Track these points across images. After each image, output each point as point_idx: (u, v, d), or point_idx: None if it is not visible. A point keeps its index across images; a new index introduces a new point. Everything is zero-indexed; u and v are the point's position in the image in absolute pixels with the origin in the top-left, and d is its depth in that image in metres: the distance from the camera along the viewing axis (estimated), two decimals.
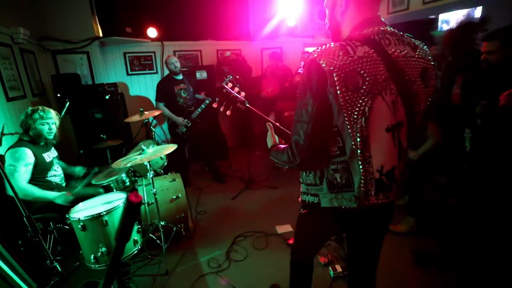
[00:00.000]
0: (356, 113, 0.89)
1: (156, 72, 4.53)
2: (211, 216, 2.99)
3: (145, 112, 3.07)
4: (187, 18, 4.64)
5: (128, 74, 4.35)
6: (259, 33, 5.00)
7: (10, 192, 1.63)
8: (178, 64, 3.52)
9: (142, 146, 2.27)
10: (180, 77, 3.58)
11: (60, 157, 2.56)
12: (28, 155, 2.08)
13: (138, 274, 2.15)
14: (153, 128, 3.12)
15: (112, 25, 3.96)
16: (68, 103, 2.98)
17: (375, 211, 1.03)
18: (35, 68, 3.40)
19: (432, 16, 6.47)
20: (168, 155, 2.97)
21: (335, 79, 0.87)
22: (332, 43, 0.92)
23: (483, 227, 2.01)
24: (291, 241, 2.35)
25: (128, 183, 2.68)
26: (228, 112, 1.32)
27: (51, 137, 2.25)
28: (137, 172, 2.93)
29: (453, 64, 2.39)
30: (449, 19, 6.76)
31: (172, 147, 2.28)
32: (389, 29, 0.97)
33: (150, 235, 2.41)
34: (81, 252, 1.94)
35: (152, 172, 2.33)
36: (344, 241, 2.28)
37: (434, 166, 2.43)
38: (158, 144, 2.85)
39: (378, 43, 0.92)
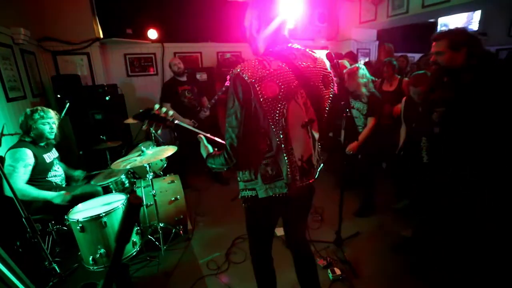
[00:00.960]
0: (277, 115, 1.10)
1: (157, 74, 4.54)
2: (210, 217, 2.99)
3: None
4: (187, 20, 4.66)
5: (128, 76, 4.35)
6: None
7: (9, 193, 1.65)
8: (181, 65, 3.54)
9: (142, 147, 2.27)
10: (184, 78, 3.60)
11: (60, 157, 2.55)
12: (28, 156, 2.08)
13: (136, 275, 2.14)
14: (154, 132, 3.11)
15: (112, 26, 3.98)
16: (68, 104, 2.98)
17: (301, 191, 1.25)
18: (35, 68, 3.41)
19: (432, 20, 6.51)
20: (168, 156, 2.97)
21: (258, 89, 1.07)
22: (252, 60, 1.12)
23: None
24: None
25: (127, 185, 2.68)
26: (159, 132, 1.58)
27: (52, 136, 2.25)
28: (136, 174, 2.93)
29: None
30: (448, 23, 6.80)
31: (171, 150, 2.29)
32: (294, 46, 1.22)
33: (149, 236, 2.40)
34: (79, 253, 1.94)
35: (151, 173, 2.33)
36: (343, 244, 2.29)
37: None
38: (159, 144, 2.85)
39: (287, 57, 1.15)
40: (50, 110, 2.26)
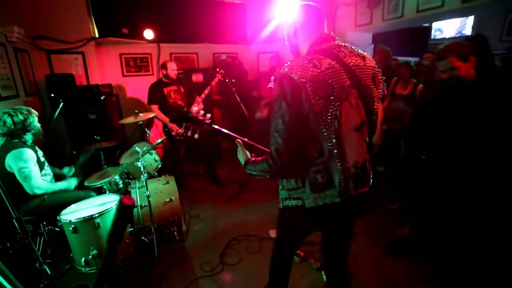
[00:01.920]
0: (330, 117, 1.03)
1: (152, 74, 4.51)
2: (205, 219, 2.97)
3: (140, 114, 3.05)
4: (184, 21, 4.65)
5: (123, 75, 4.32)
6: (256, 37, 5.03)
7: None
8: (176, 71, 3.51)
9: (136, 148, 2.26)
10: (170, 80, 3.55)
11: (52, 157, 2.52)
12: (33, 155, 2.10)
13: (129, 277, 2.12)
14: (147, 131, 3.09)
15: (108, 26, 3.95)
16: (62, 103, 2.95)
17: (354, 202, 1.13)
18: (28, 67, 3.37)
19: (426, 24, 6.60)
20: (163, 157, 2.95)
21: (309, 89, 1.00)
22: (301, 59, 1.06)
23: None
24: None
25: (121, 185, 2.66)
26: (196, 136, 1.53)
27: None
28: (130, 174, 2.91)
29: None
30: (442, 28, 6.90)
31: (161, 139, 2.25)
32: (341, 43, 1.15)
33: (143, 238, 2.38)
34: (71, 255, 1.91)
35: (146, 174, 2.31)
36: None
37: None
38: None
39: (337, 55, 1.08)
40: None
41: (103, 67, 4.11)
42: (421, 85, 3.15)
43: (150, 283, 2.08)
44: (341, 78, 1.04)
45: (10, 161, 2.01)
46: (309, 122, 1.04)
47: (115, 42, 3.99)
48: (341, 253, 1.41)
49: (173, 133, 3.48)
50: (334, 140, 1.05)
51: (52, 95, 3.28)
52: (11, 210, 1.42)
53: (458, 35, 6.52)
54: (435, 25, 6.90)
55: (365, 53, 1.19)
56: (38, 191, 2.07)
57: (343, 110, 1.04)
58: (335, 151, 1.06)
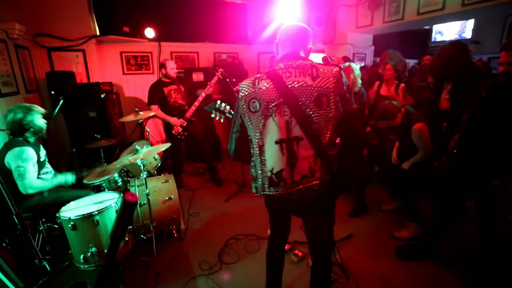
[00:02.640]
0: (256, 128, 1.30)
1: (153, 73, 4.52)
2: (204, 218, 2.98)
3: (140, 112, 3.06)
4: (185, 20, 4.65)
5: (124, 74, 4.32)
6: (257, 37, 5.04)
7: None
8: (176, 70, 3.50)
9: (136, 146, 2.26)
10: (170, 80, 3.55)
11: (52, 155, 2.52)
12: (34, 154, 2.09)
13: (128, 275, 2.12)
14: (147, 129, 3.10)
15: (109, 24, 3.96)
16: (62, 101, 2.95)
17: (283, 197, 1.34)
18: (29, 64, 3.37)
19: (426, 27, 6.63)
20: (164, 156, 2.95)
21: (244, 104, 1.31)
22: (250, 77, 1.33)
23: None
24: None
25: (120, 183, 2.66)
26: (221, 120, 1.88)
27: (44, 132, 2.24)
28: (130, 172, 2.91)
29: (440, 72, 2.44)
30: (442, 30, 6.92)
31: (166, 145, 2.28)
32: (297, 63, 1.27)
33: (142, 236, 2.39)
34: (70, 252, 1.92)
35: (145, 172, 2.32)
36: (335, 246, 2.30)
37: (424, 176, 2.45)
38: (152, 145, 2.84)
39: (280, 76, 1.26)
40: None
41: (104, 65, 4.11)
42: (402, 84, 3.32)
43: (148, 281, 2.09)
44: (269, 98, 1.25)
45: (10, 159, 2.01)
46: (247, 130, 1.34)
47: (116, 40, 3.99)
48: (313, 233, 1.53)
49: (175, 131, 3.48)
50: (257, 148, 1.31)
51: (52, 92, 3.28)
52: (11, 206, 1.43)
53: (459, 38, 6.53)
54: (436, 27, 6.92)
55: (327, 73, 1.23)
56: (30, 191, 2.05)
57: (265, 125, 1.27)
58: (258, 156, 1.31)
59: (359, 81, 2.79)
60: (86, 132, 3.24)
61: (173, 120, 3.46)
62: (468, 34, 6.38)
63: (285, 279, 1.72)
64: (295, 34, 1.35)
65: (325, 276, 1.54)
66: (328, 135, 1.25)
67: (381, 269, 2.18)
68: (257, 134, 1.29)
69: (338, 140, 1.34)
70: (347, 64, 2.74)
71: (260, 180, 1.33)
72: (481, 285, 1.92)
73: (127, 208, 0.50)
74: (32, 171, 2.06)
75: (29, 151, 2.06)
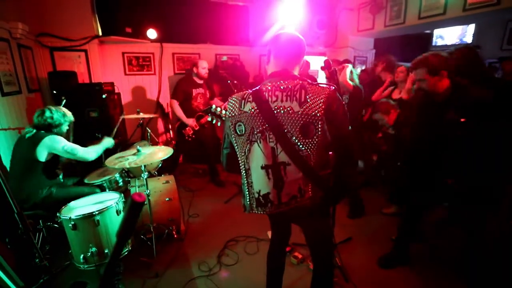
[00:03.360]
0: (242, 152, 1.27)
1: (154, 74, 4.53)
2: (204, 219, 2.98)
3: (141, 113, 3.07)
4: (187, 21, 4.67)
5: (126, 74, 4.34)
6: (258, 39, 5.05)
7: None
8: (207, 70, 3.56)
9: (138, 147, 2.27)
10: (201, 81, 3.61)
11: None
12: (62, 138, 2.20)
13: (127, 276, 2.12)
14: (148, 129, 3.11)
15: (112, 24, 3.97)
16: (64, 100, 2.96)
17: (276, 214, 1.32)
18: (31, 64, 3.38)
19: (427, 31, 6.65)
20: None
21: (230, 125, 1.28)
22: (237, 96, 1.28)
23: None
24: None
25: (121, 183, 2.67)
26: (218, 123, 1.76)
27: None
28: (131, 173, 2.91)
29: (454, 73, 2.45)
30: (443, 35, 6.94)
31: (167, 152, 2.28)
32: (286, 84, 1.19)
33: (142, 236, 2.39)
34: (70, 251, 1.92)
35: (146, 173, 2.32)
36: (335, 249, 2.30)
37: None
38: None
39: (265, 100, 1.19)
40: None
41: (106, 66, 4.12)
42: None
43: (147, 282, 2.09)
44: (254, 123, 1.21)
45: (49, 147, 2.10)
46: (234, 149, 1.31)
47: (118, 40, 4.01)
48: (281, 239, 1.63)
49: (186, 132, 3.50)
50: (243, 170, 1.30)
51: (54, 92, 3.29)
52: (12, 205, 1.43)
53: (459, 42, 6.55)
54: (437, 32, 6.94)
55: (315, 96, 1.14)
56: (92, 157, 2.29)
57: (251, 150, 1.24)
58: (245, 178, 1.30)
59: (356, 79, 2.79)
60: (88, 132, 3.24)
61: (190, 122, 3.49)
62: (469, 39, 6.40)
63: (285, 281, 1.71)
64: (290, 51, 1.25)
65: (327, 280, 1.52)
66: (316, 159, 1.19)
67: (380, 272, 2.18)
68: (243, 158, 1.27)
69: (331, 154, 1.31)
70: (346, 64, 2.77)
71: (248, 200, 1.32)
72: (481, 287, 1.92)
73: (135, 207, 0.50)
74: (75, 145, 2.20)
75: (57, 136, 2.17)
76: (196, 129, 3.54)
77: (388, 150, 3.14)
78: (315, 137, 1.16)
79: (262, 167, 1.23)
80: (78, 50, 3.77)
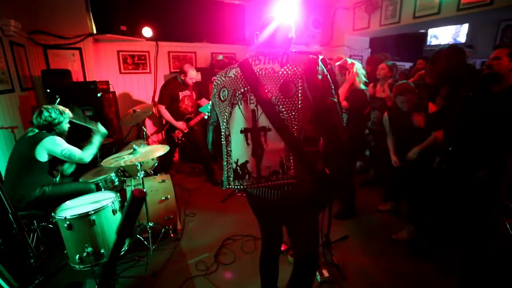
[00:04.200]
0: (223, 117, 1.24)
1: (150, 72, 4.50)
2: (200, 218, 2.98)
3: (138, 110, 3.04)
4: (183, 20, 4.64)
5: (121, 73, 4.29)
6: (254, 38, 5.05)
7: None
8: (194, 80, 3.53)
9: (134, 146, 2.25)
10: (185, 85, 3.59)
11: None
12: (61, 140, 2.20)
13: (124, 275, 2.11)
14: (144, 128, 3.09)
15: (106, 22, 3.92)
16: (58, 99, 2.92)
17: (261, 195, 1.27)
18: (24, 62, 3.33)
19: (422, 31, 6.71)
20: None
21: (215, 93, 1.28)
22: (227, 67, 1.29)
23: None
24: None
25: (117, 183, 2.65)
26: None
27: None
28: (126, 172, 2.89)
29: (442, 78, 2.47)
30: (437, 34, 7.02)
31: (164, 149, 2.28)
32: (270, 51, 1.22)
33: (138, 236, 2.37)
34: (65, 252, 1.90)
35: (142, 172, 2.31)
36: (332, 247, 2.32)
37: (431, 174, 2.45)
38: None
39: (249, 64, 1.21)
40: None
41: (100, 64, 4.08)
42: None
43: (144, 282, 2.07)
44: (236, 86, 1.21)
45: (48, 148, 2.10)
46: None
47: (113, 39, 3.96)
48: (293, 235, 1.45)
49: (175, 135, 3.49)
50: (223, 137, 1.26)
51: (48, 90, 3.24)
52: (6, 205, 1.41)
53: (453, 42, 6.63)
54: (431, 31, 7.01)
55: (300, 61, 1.15)
56: (87, 159, 2.28)
57: (232, 113, 1.21)
58: (225, 148, 1.26)
59: (363, 78, 2.66)
60: (82, 131, 3.20)
61: (179, 125, 3.48)
62: (462, 38, 6.48)
63: (282, 279, 1.71)
64: (274, 33, 1.28)
65: (308, 277, 1.47)
66: (299, 127, 1.14)
67: (377, 269, 2.19)
68: (224, 123, 1.24)
69: (321, 142, 1.26)
70: (350, 61, 2.65)
71: (225, 172, 1.27)
72: (476, 285, 1.95)
73: (135, 203, 0.50)
74: (72, 147, 2.21)
75: (57, 138, 2.16)
76: (186, 131, 3.54)
77: (378, 146, 3.14)
78: (295, 97, 1.13)
79: (241, 131, 1.20)
80: (72, 48, 3.72)
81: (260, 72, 1.17)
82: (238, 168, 1.22)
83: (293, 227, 1.41)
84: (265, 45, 1.27)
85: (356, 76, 2.57)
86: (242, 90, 1.19)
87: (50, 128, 2.19)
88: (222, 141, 1.27)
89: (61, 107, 2.29)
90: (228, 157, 1.25)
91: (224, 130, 1.25)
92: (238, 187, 1.24)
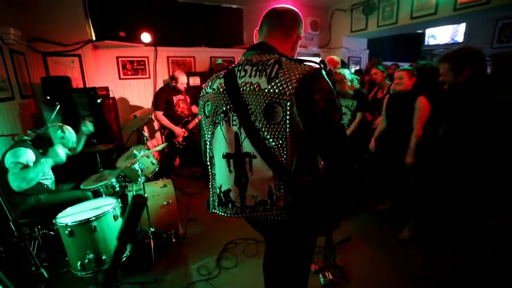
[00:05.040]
0: (207, 136, 1.10)
1: (149, 77, 4.51)
2: (202, 222, 2.96)
3: (138, 115, 3.05)
4: (181, 24, 4.67)
5: (120, 78, 4.31)
6: (253, 42, 5.07)
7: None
8: (185, 85, 3.58)
9: (134, 151, 2.25)
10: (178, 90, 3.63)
11: None
12: (30, 154, 2.07)
13: (126, 281, 2.10)
14: (144, 133, 3.09)
15: (105, 29, 3.95)
16: (58, 106, 2.93)
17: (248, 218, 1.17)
18: (24, 69, 3.34)
19: (419, 31, 6.74)
20: (159, 161, 2.93)
21: (201, 106, 1.10)
22: (214, 75, 1.10)
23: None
24: None
25: (118, 188, 2.64)
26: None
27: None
28: (127, 177, 2.89)
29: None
30: (435, 34, 7.04)
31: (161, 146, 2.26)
32: (260, 58, 0.99)
33: (140, 241, 2.36)
34: (67, 259, 1.89)
35: (143, 177, 2.30)
36: (335, 249, 2.31)
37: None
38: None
39: (234, 76, 1.01)
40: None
41: (100, 70, 4.09)
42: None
43: (146, 287, 2.06)
44: (218, 102, 1.02)
45: (7, 157, 2.02)
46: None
47: (112, 45, 3.98)
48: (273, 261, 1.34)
49: (176, 140, 3.50)
50: (207, 158, 1.13)
51: (48, 97, 3.25)
52: (7, 213, 1.41)
53: (451, 41, 6.65)
54: (428, 31, 7.04)
55: (303, 68, 0.90)
56: (17, 189, 1.96)
57: (214, 133, 1.06)
58: (209, 169, 1.13)
59: (356, 84, 2.82)
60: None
61: (178, 131, 3.51)
62: (460, 38, 6.50)
63: None
64: (270, 21, 1.06)
65: None
66: (289, 156, 0.94)
67: (380, 270, 2.18)
68: (208, 144, 1.10)
69: (322, 163, 1.05)
70: (338, 71, 2.76)
71: (210, 195, 1.15)
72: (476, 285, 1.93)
73: (136, 208, 0.49)
74: (24, 171, 1.97)
75: (27, 150, 2.06)
76: (185, 135, 3.55)
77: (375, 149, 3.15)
78: (281, 123, 0.91)
79: (223, 156, 1.03)
80: (71, 55, 3.74)
81: (245, 88, 0.96)
82: (221, 194, 1.08)
83: (271, 246, 1.30)
84: (258, 45, 1.05)
85: (347, 82, 2.73)
86: (224, 108, 1.00)
87: (45, 144, 2.16)
88: (207, 162, 1.13)
89: (63, 128, 2.26)
90: (213, 181, 1.13)
91: (209, 151, 1.11)
92: (222, 214, 1.10)
